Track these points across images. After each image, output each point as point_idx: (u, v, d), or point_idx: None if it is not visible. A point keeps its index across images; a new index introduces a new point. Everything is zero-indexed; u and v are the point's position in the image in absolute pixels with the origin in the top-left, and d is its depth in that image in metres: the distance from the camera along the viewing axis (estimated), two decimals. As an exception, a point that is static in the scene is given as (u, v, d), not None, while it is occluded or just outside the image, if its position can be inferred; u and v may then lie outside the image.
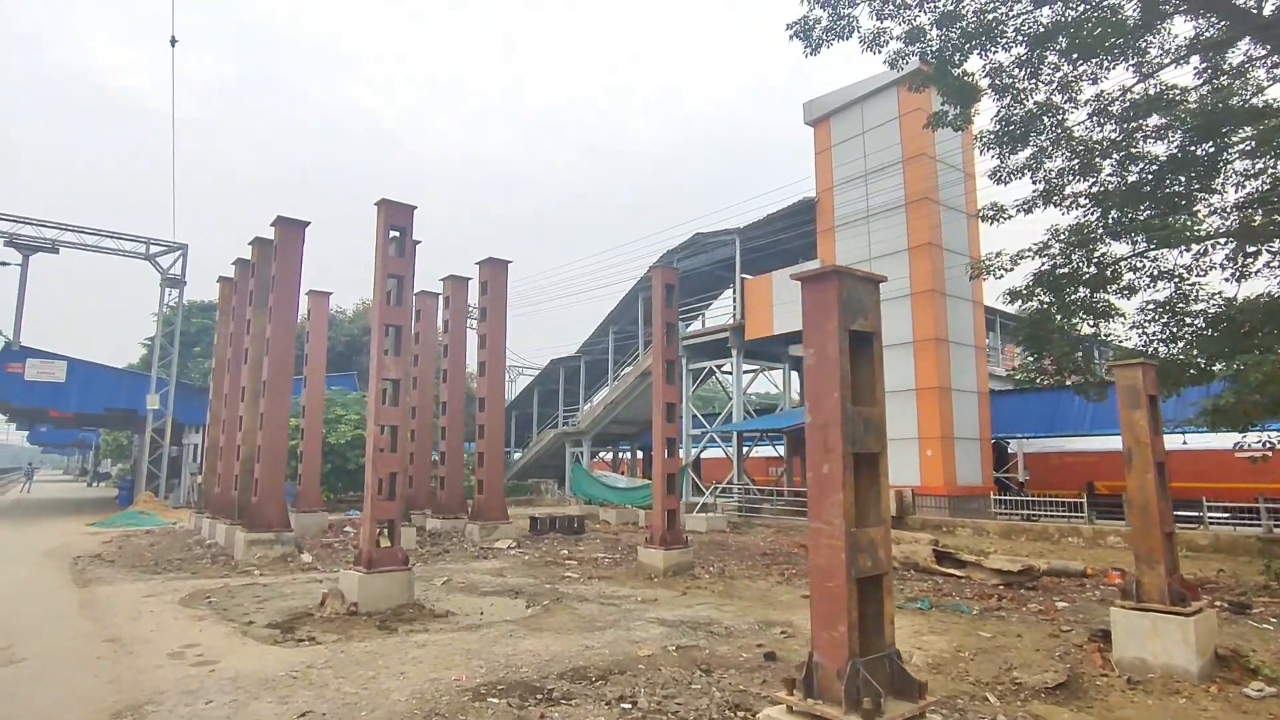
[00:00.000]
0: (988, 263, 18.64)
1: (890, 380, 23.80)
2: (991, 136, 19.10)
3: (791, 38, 17.33)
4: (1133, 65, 17.05)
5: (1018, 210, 18.64)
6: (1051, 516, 20.71)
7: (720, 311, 37.10)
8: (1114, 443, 28.32)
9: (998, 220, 18.95)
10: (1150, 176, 17.66)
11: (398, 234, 10.25)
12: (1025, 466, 28.36)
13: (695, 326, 33.45)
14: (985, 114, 19.88)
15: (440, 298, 20.29)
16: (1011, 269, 18.47)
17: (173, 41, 15.17)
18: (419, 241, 14.10)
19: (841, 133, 26.39)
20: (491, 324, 18.16)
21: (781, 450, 33.33)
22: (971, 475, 23.35)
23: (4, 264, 23.77)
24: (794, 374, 32.11)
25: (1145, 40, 16.52)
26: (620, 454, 42.06)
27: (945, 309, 23.44)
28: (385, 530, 9.73)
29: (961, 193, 25.01)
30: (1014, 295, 19.09)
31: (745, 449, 31.43)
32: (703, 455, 43.94)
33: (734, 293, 29.20)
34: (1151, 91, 16.68)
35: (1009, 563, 11.66)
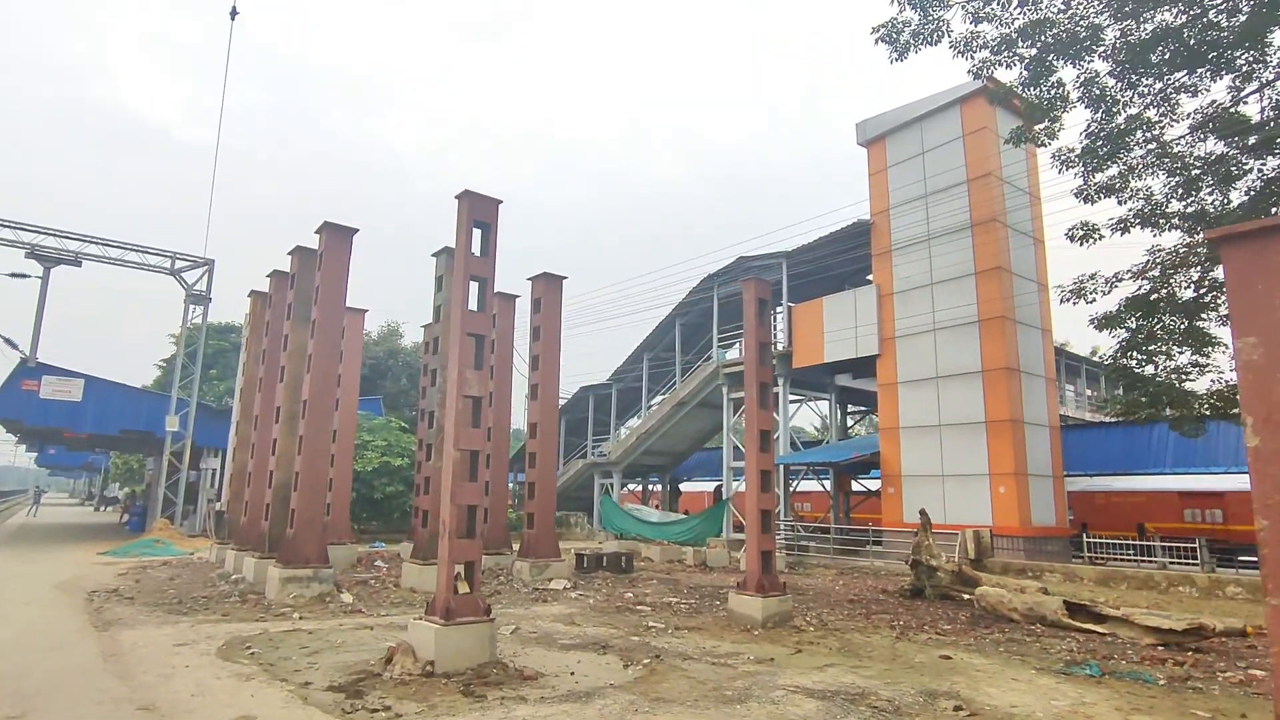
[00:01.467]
0: (1080, 285, 17.31)
1: (956, 412, 22.37)
2: (1078, 152, 17.96)
3: (877, 42, 16.25)
4: (1238, 77, 15.91)
5: (1113, 230, 17.35)
6: (1144, 562, 19.06)
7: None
8: (1163, 482, 26.74)
9: (1088, 240, 17.67)
10: (1253, 195, 16.44)
11: (480, 231, 8.97)
12: (1069, 506, 26.67)
13: (733, 354, 32.08)
14: (1065, 132, 18.74)
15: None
16: (1108, 291, 17.13)
17: (233, 14, 14.02)
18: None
19: (899, 153, 25.26)
20: (546, 344, 16.83)
21: (828, 485, 31.76)
22: (1046, 515, 21.74)
23: (24, 276, 22.67)
24: (839, 406, 30.65)
25: (1249, 53, 15.39)
26: (650, 486, 40.42)
27: (1016, 336, 22.04)
28: (461, 574, 8.28)
29: (1027, 217, 23.77)
30: (1105, 322, 17.73)
31: (792, 483, 29.86)
32: (682, 487, 42.33)
33: (783, 319, 27.87)
34: (1258, 105, 15.48)
35: (1167, 620, 10.10)
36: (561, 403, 41.10)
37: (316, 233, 14.44)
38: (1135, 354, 17.42)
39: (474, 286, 8.90)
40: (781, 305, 29.48)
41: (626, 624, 11.11)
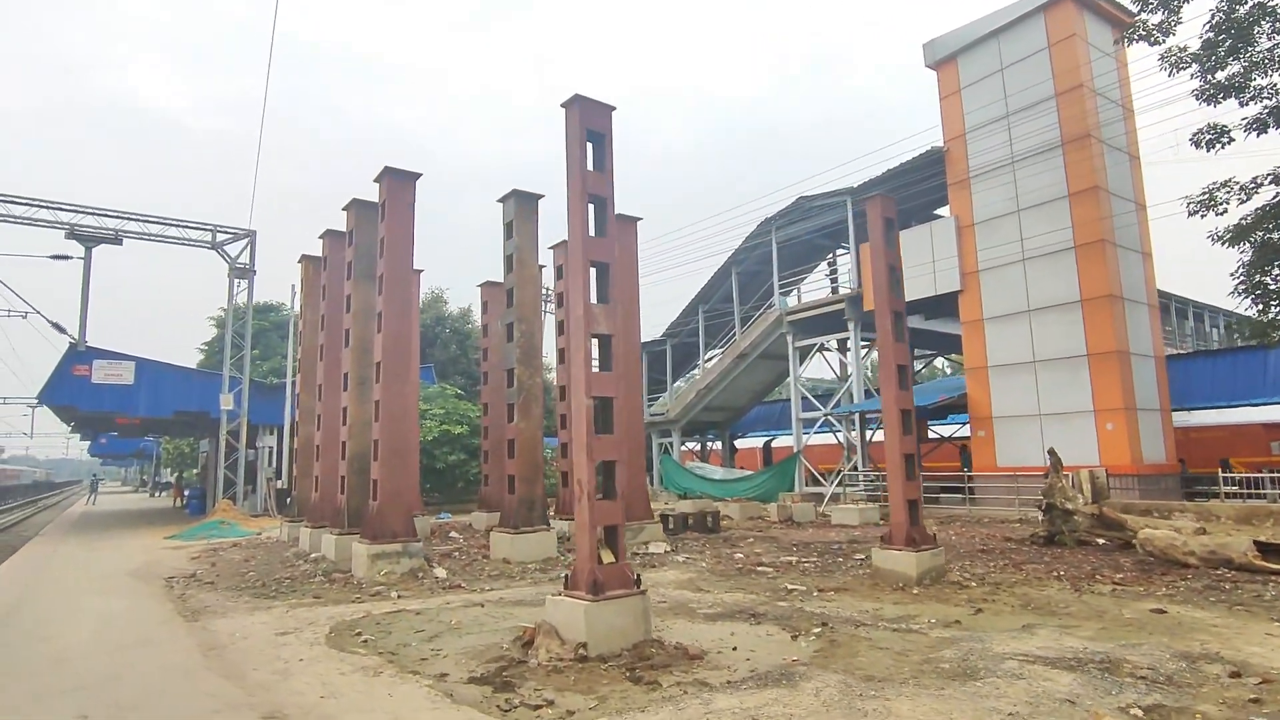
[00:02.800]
0: (1210, 194, 15.58)
1: (1052, 346, 20.78)
2: (1195, 49, 16.11)
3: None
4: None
5: (1247, 130, 15.54)
6: None
7: (814, 286, 34.22)
8: (1248, 414, 24.89)
9: (1216, 145, 15.91)
10: None
11: (594, 143, 7.64)
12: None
13: (791, 301, 30.55)
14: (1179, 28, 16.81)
15: (553, 266, 17.75)
16: (1246, 199, 15.40)
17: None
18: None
19: (973, 72, 23.30)
20: (624, 289, 15.53)
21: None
22: (1156, 452, 20.21)
23: (65, 257, 21.85)
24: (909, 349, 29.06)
25: None
26: (709, 444, 39.32)
27: (1117, 261, 20.29)
28: (602, 540, 7.14)
29: (1121, 131, 21.80)
30: (1237, 234, 16.01)
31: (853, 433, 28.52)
32: (774, 444, 41.09)
33: (851, 259, 26.26)
34: None
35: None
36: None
37: (376, 181, 13.23)
38: (1274, 269, 15.73)
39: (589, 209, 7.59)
40: (850, 245, 27.86)
41: (760, 588, 9.97)
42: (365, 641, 7.59)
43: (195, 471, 59.14)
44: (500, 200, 14.55)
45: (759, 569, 11.58)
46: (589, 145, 7.57)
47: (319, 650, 7.28)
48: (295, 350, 26.00)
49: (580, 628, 6.55)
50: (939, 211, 28.87)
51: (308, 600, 10.25)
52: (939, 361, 45.13)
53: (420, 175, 13.07)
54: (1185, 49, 16.51)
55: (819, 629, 7.47)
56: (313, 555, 14.17)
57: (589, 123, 7.55)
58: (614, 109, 7.78)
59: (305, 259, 18.17)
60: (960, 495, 23.33)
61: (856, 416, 25.65)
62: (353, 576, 11.85)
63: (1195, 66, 16.29)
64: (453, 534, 18.34)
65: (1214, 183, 15.53)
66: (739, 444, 41.16)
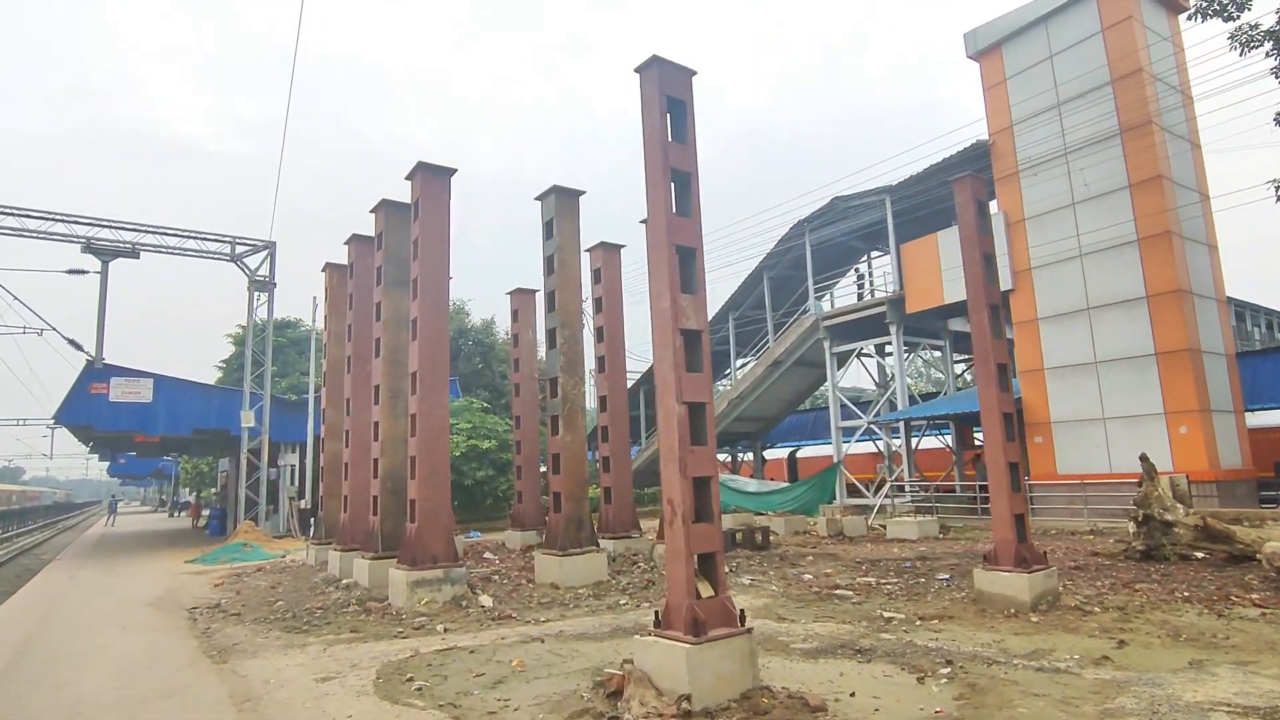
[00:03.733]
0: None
1: (1115, 346, 19.60)
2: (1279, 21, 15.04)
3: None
4: None
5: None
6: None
7: (844, 291, 33.13)
8: None
9: (1305, 123, 14.77)
10: None
11: (673, 113, 6.67)
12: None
13: (824, 306, 29.48)
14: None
15: (589, 270, 16.85)
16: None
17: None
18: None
19: (1019, 61, 22.26)
20: (609, 309, 14.60)
21: (935, 442, 29.16)
22: (1232, 456, 18.95)
23: (82, 272, 21.16)
24: (953, 353, 27.89)
25: None
26: (740, 455, 38.21)
27: (1185, 254, 19.13)
28: (698, 570, 6.11)
29: (1181, 119, 20.66)
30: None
31: (896, 441, 27.35)
32: (799, 454, 39.79)
33: (888, 261, 25.18)
34: None
35: None
36: (634, 377, 39.23)
37: (408, 178, 12.35)
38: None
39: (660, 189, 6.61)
40: (887, 246, 26.81)
41: (850, 615, 8.90)
42: (420, 690, 6.59)
43: (214, 491, 58.62)
44: (539, 198, 13.64)
45: (837, 592, 10.50)
46: (668, 114, 6.60)
47: (369, 703, 6.28)
48: (319, 364, 25.18)
49: (681, 676, 5.51)
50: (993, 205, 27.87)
51: (345, 635, 9.27)
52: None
53: (456, 170, 12.18)
54: (1258, 26, 15.47)
55: (946, 669, 6.40)
56: (344, 581, 13.20)
57: (668, 89, 6.59)
58: (694, 73, 6.82)
59: (330, 267, 17.33)
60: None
61: (901, 424, 24.50)
62: (390, 606, 10.86)
63: (1269, 44, 15.24)
64: (487, 554, 17.34)
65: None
66: (768, 455, 39.97)
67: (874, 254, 30.92)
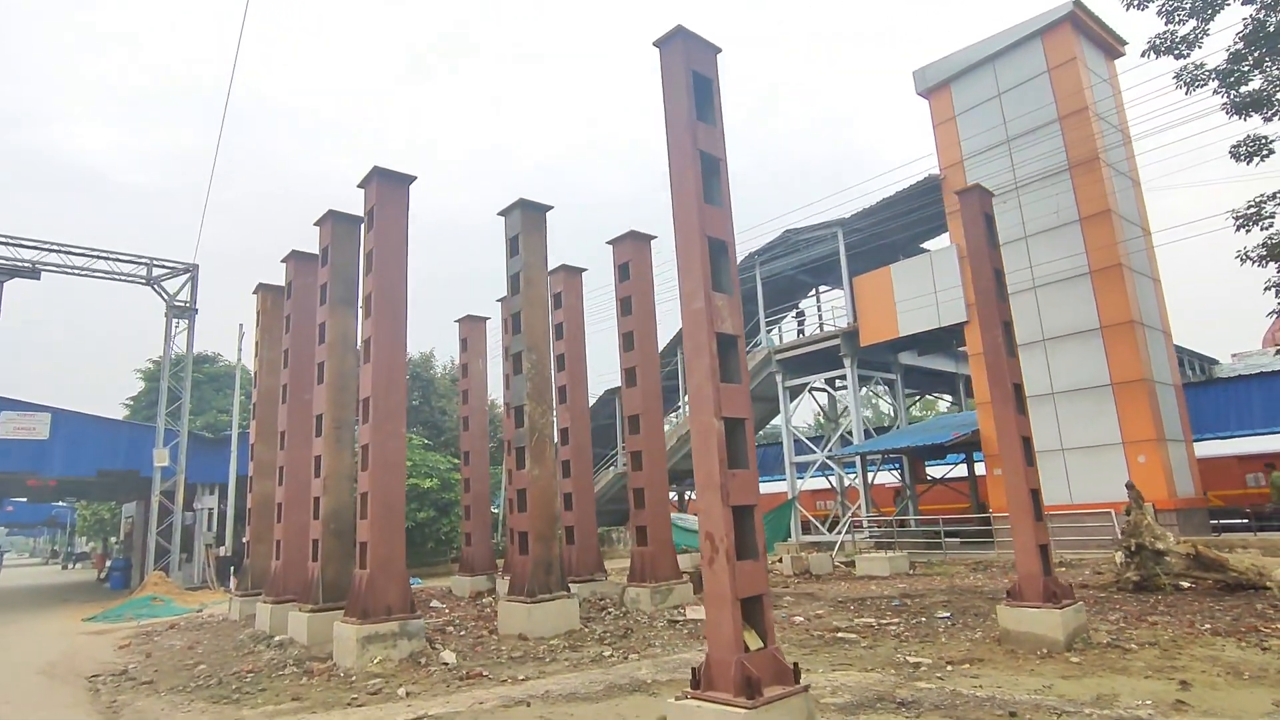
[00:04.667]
0: (1258, 207, 14.80)
1: (1071, 376, 19.72)
2: (1228, 59, 15.57)
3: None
4: None
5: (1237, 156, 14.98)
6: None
7: (791, 328, 33.06)
8: (1221, 447, 24.32)
9: (1256, 157, 15.23)
10: None
11: (700, 90, 5.89)
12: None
13: (784, 337, 29.19)
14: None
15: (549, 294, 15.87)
16: (1303, 210, 14.62)
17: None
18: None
19: (968, 99, 22.69)
20: (639, 309, 13.73)
21: (882, 477, 28.93)
22: (1185, 485, 19.14)
23: (-30, 293, 18.87)
24: (903, 386, 27.88)
25: None
26: (687, 494, 37.31)
27: (1135, 286, 19.49)
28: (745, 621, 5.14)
29: (1122, 156, 21.31)
30: (1274, 250, 15.23)
31: (848, 476, 27.00)
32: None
33: (844, 293, 25.04)
34: None
35: None
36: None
37: (360, 185, 11.23)
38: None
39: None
40: (835, 280, 26.77)
41: (869, 661, 8.03)
42: (396, 774, 5.36)
43: (114, 540, 53.96)
44: (503, 213, 12.67)
45: (839, 635, 9.63)
46: (693, 92, 5.81)
47: (335, 795, 5.02)
48: (242, 398, 23.24)
49: (736, 750, 4.52)
50: (925, 245, 28.25)
51: (286, 704, 7.86)
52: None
53: (415, 178, 11.12)
54: (1203, 65, 16.00)
55: (1015, 726, 5.58)
56: (277, 638, 11.59)
57: (694, 63, 5.82)
58: (720, 50, 6.07)
59: (263, 289, 15.83)
60: (961, 540, 21.94)
61: (858, 459, 24.11)
62: (336, 666, 9.43)
63: (1216, 82, 15.76)
64: (434, 603, 15.83)
65: (1261, 195, 14.75)
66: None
67: (822, 288, 30.93)
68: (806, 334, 29.67)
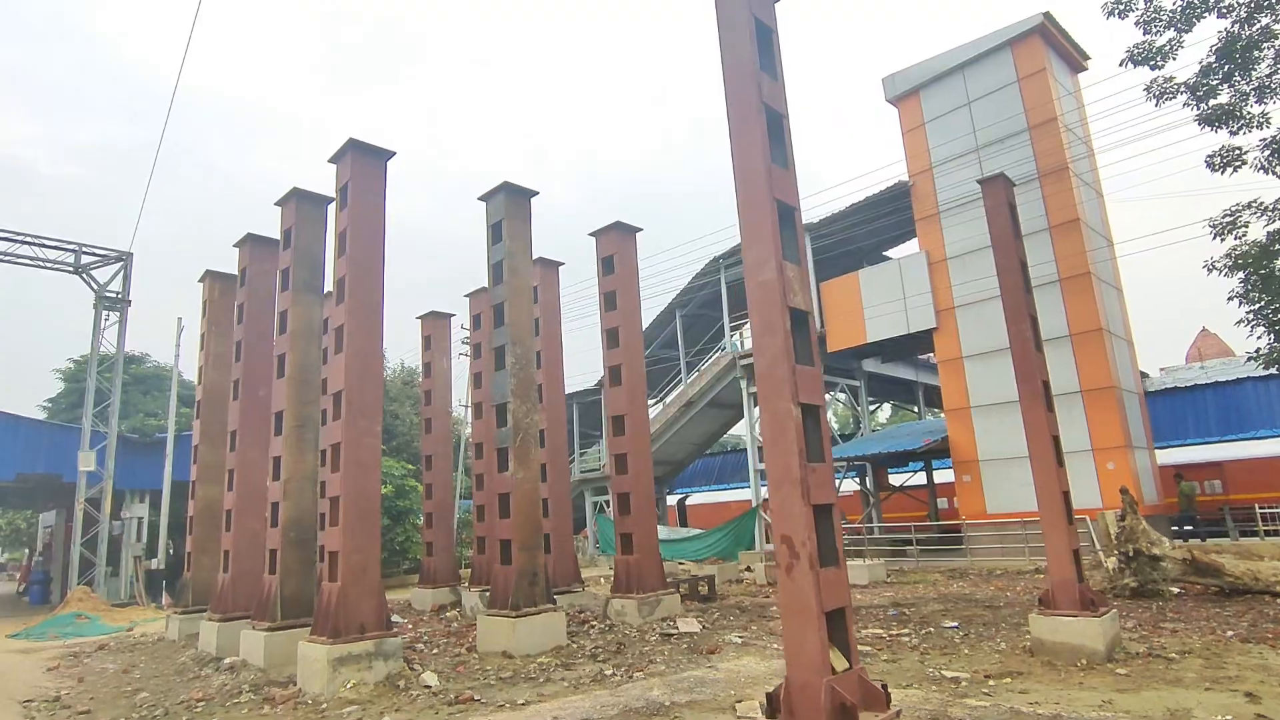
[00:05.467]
0: (1234, 216, 14.99)
1: (1041, 384, 19.78)
2: (1199, 73, 15.81)
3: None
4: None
5: (1266, 148, 15.15)
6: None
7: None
8: (1162, 457, 25.14)
9: (1231, 167, 15.45)
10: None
11: (762, 39, 5.26)
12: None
13: (738, 346, 28.83)
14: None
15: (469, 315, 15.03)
16: (1275, 221, 14.85)
17: None
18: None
19: (937, 106, 22.77)
20: (624, 305, 13.03)
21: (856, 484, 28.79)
22: (1150, 491, 19.39)
23: None
24: (867, 393, 27.82)
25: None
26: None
27: (1101, 294, 19.72)
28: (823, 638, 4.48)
29: (1087, 168, 21.65)
30: (1242, 260, 15.47)
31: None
32: (687, 501, 38.70)
33: (811, 298, 24.80)
34: None
35: None
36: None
37: (332, 160, 10.25)
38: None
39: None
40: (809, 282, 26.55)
41: (903, 676, 7.46)
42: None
43: (29, 552, 50.24)
44: (484, 198, 11.82)
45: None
46: (756, 40, 5.18)
47: None
48: (179, 399, 21.60)
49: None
50: (888, 254, 28.33)
51: (252, 739, 6.86)
52: (887, 408, 44.59)
53: (394, 154, 10.21)
54: (1172, 79, 16.22)
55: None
56: (227, 661, 10.42)
57: (756, 8, 5.19)
58: (780, -1, 5.46)
59: (210, 276, 14.55)
60: (922, 549, 21.76)
61: (826, 464, 23.81)
62: (301, 692, 8.41)
63: (1186, 95, 15.98)
64: (395, 617, 14.73)
65: (1238, 204, 14.94)
66: (671, 500, 38.67)
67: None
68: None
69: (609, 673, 8.58)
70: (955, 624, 10.27)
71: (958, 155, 22.04)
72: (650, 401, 32.78)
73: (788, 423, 4.52)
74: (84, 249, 19.44)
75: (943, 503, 30.15)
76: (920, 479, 28.03)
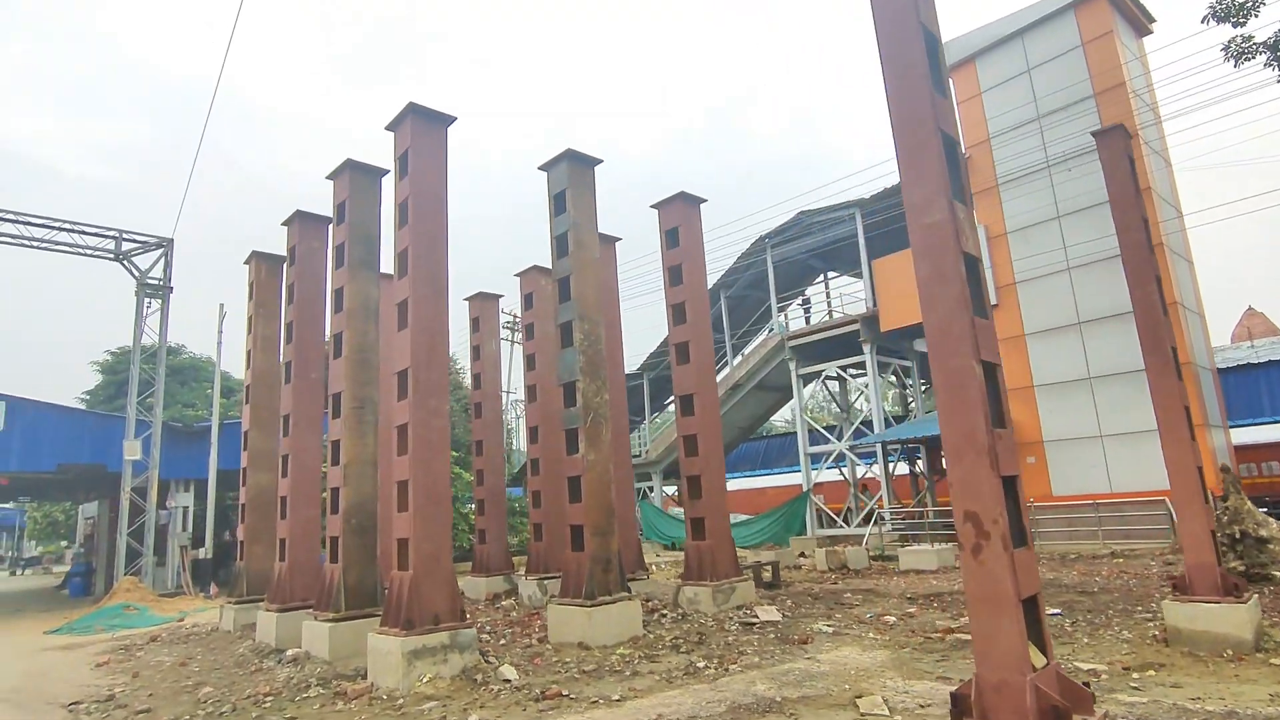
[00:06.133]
0: None
1: (1111, 360, 18.91)
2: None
3: None
4: None
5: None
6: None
7: (795, 315, 31.93)
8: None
9: (1243, 58, 14.53)
10: None
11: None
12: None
13: (796, 323, 28.07)
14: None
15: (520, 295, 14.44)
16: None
17: None
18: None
19: (994, 75, 21.80)
20: (690, 279, 12.41)
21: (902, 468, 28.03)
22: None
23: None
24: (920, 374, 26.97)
25: None
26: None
27: (1174, 267, 18.76)
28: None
29: (1155, 136, 20.61)
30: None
31: (864, 467, 26.06)
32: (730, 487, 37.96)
33: (865, 276, 24.02)
34: None
35: None
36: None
37: (389, 128, 9.73)
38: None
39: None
40: (845, 265, 25.83)
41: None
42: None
43: (65, 545, 50.89)
44: (545, 167, 11.23)
45: (959, 636, 8.44)
46: (909, -50, 4.51)
47: None
48: (224, 387, 21.38)
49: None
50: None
51: (333, 739, 6.38)
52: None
53: (455, 119, 9.65)
54: (1251, 38, 15.22)
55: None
56: (289, 653, 10.01)
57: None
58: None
59: (256, 257, 14.14)
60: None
61: (879, 448, 23.11)
62: (373, 686, 7.95)
63: (1267, 55, 14.97)
64: (449, 607, 14.30)
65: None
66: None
67: (830, 274, 29.94)
68: (813, 322, 28.67)
69: (700, 665, 8.02)
70: (1058, 610, 9.59)
71: (1019, 124, 21.08)
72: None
73: (970, 383, 3.90)
74: (124, 235, 19.18)
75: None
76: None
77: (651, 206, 12.95)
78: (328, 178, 11.17)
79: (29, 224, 18.00)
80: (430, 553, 8.42)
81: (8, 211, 17.65)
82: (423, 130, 9.37)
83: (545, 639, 10.02)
